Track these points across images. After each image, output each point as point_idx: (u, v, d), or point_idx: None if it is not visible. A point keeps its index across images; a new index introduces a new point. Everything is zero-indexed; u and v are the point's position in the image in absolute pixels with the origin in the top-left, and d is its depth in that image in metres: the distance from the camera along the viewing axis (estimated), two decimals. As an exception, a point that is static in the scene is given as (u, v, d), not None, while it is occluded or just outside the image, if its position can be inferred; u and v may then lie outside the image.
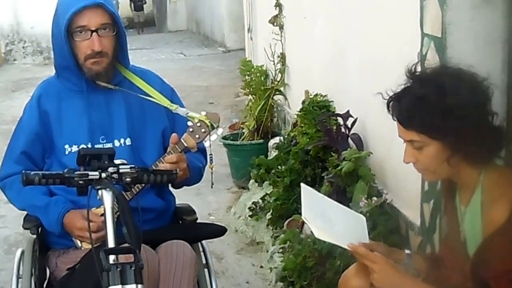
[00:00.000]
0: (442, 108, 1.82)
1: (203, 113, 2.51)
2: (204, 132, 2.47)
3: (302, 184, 2.25)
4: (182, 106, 2.59)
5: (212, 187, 2.73)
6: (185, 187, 2.71)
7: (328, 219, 2.14)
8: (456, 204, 1.98)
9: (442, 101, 1.83)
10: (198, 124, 2.47)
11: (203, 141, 2.48)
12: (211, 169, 2.60)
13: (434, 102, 1.84)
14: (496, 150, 1.90)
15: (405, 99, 1.91)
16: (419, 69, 1.97)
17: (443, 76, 1.89)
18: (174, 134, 2.47)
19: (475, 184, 1.89)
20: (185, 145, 2.45)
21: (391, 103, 1.96)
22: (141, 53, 13.42)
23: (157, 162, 2.45)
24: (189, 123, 2.49)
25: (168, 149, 2.47)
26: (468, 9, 2.43)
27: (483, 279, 1.83)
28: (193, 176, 2.58)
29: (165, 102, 2.54)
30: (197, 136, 2.47)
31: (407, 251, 2.16)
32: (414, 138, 1.89)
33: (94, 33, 2.42)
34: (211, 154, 2.56)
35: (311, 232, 3.40)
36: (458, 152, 1.85)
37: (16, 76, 11.59)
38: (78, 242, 2.48)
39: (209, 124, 2.47)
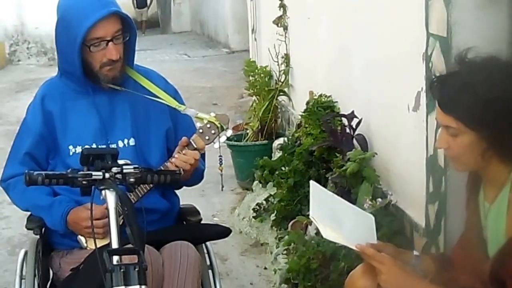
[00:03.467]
0: (486, 100, 1.78)
1: (212, 114, 2.50)
2: (214, 133, 2.46)
3: (311, 182, 2.22)
4: None
5: (222, 189, 2.72)
6: (189, 188, 2.71)
7: (336, 218, 2.12)
8: (479, 201, 1.94)
9: (487, 92, 1.78)
10: (208, 126, 2.46)
11: (212, 143, 2.47)
12: (221, 171, 2.58)
13: (479, 92, 1.79)
14: None
15: (450, 83, 1.86)
16: (469, 55, 1.89)
17: (493, 67, 1.84)
18: (184, 138, 2.45)
19: (504, 181, 1.85)
20: (195, 146, 2.44)
21: (435, 84, 1.91)
22: (145, 54, 13.42)
23: (166, 164, 2.43)
24: (198, 124, 2.48)
25: (176, 150, 2.45)
26: (474, 9, 2.42)
27: (500, 278, 1.80)
28: (196, 176, 2.58)
29: (173, 102, 2.53)
30: (206, 137, 2.45)
31: (415, 252, 2.14)
32: (451, 124, 1.85)
33: (110, 42, 2.40)
34: (220, 156, 2.54)
35: (316, 233, 3.41)
36: (493, 147, 1.81)
37: (21, 77, 11.61)
38: (83, 241, 2.47)
39: (218, 125, 2.46)
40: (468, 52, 1.90)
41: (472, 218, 1.98)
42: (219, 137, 2.47)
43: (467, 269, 1.96)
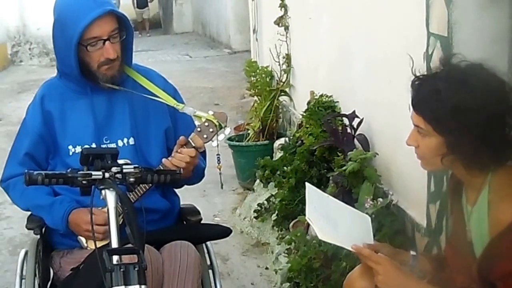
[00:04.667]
0: (455, 107, 1.78)
1: (210, 112, 2.49)
2: (212, 131, 2.45)
3: (307, 184, 2.22)
4: None
5: (222, 187, 2.72)
6: (190, 188, 2.70)
7: (332, 220, 2.12)
8: (463, 204, 1.95)
9: (457, 100, 1.78)
10: (206, 124, 2.45)
11: (211, 141, 2.47)
12: (219, 169, 2.58)
13: (449, 98, 1.79)
14: (506, 159, 1.84)
15: (426, 85, 1.87)
16: (454, 59, 1.90)
17: (471, 76, 1.82)
18: (182, 137, 2.45)
19: (482, 184, 1.85)
20: (193, 145, 2.44)
21: (414, 82, 1.92)
22: (147, 54, 13.45)
23: (162, 162, 2.43)
24: (197, 123, 2.47)
25: (175, 149, 2.45)
26: (474, 8, 2.42)
27: (489, 280, 1.81)
28: (196, 175, 2.58)
29: (171, 101, 2.53)
30: (205, 136, 2.45)
31: (412, 253, 2.13)
32: (420, 125, 1.87)
33: (107, 41, 2.39)
34: (218, 154, 2.53)
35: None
36: (454, 154, 1.83)
37: (22, 78, 11.63)
38: (84, 241, 2.47)
39: (217, 123, 2.45)
40: (453, 57, 1.90)
41: (457, 221, 1.99)
42: (217, 135, 2.46)
43: (458, 270, 1.96)
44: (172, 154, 2.44)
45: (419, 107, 1.87)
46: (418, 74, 1.93)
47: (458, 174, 1.92)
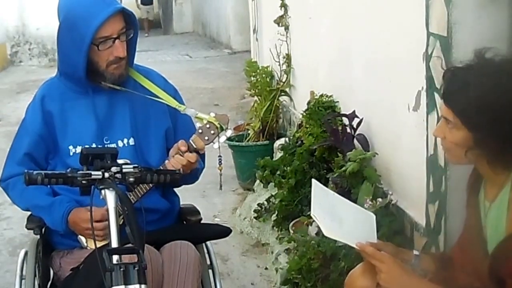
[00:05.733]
0: (485, 104, 1.78)
1: (212, 114, 2.49)
2: (213, 133, 2.45)
3: (313, 180, 2.23)
4: None
5: (221, 189, 2.72)
6: (190, 188, 2.70)
7: (337, 217, 2.13)
8: (480, 199, 1.94)
9: (488, 97, 1.78)
10: (208, 126, 2.45)
11: (212, 143, 2.47)
12: (220, 171, 2.58)
13: (481, 94, 1.78)
14: None
15: (458, 77, 1.86)
16: (488, 53, 1.88)
17: (505, 72, 1.81)
18: (182, 141, 2.45)
19: (504, 181, 1.85)
20: (194, 146, 2.44)
21: (447, 73, 1.91)
22: (147, 55, 13.43)
23: (164, 164, 2.43)
24: (198, 125, 2.48)
25: (172, 152, 2.45)
26: (474, 8, 2.42)
27: (500, 276, 1.80)
28: (194, 175, 2.58)
29: (173, 102, 2.53)
30: (206, 137, 2.45)
31: (415, 252, 2.14)
32: (449, 117, 1.87)
33: (117, 40, 2.40)
34: (220, 156, 2.53)
35: (316, 233, 3.40)
36: (479, 149, 1.82)
37: (22, 78, 11.63)
38: (84, 241, 2.47)
39: (218, 125, 2.45)
40: (487, 51, 1.88)
41: (472, 217, 1.98)
42: (219, 137, 2.46)
43: (466, 268, 1.96)
44: (169, 157, 2.44)
45: (449, 99, 1.87)
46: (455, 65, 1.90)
47: (480, 169, 1.91)
